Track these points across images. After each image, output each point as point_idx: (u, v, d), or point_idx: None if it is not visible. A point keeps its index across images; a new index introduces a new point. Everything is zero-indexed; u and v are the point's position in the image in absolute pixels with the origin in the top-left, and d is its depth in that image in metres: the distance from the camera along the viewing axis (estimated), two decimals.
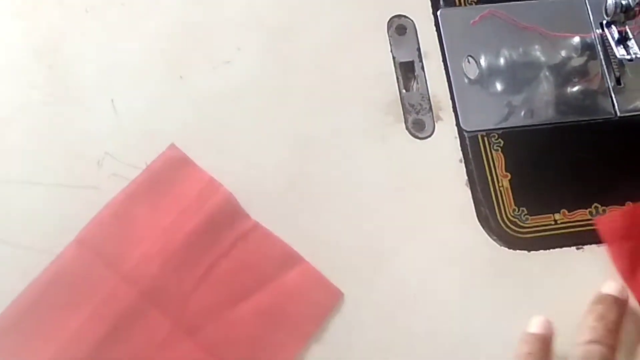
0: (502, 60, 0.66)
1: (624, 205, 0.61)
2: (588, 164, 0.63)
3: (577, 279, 0.59)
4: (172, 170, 0.57)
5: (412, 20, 0.65)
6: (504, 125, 0.63)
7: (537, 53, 0.67)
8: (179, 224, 0.55)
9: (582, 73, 0.67)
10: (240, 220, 0.56)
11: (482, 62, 0.65)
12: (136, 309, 0.53)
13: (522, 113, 0.64)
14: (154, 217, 0.55)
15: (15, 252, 0.54)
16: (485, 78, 0.65)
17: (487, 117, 0.63)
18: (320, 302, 0.56)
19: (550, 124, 0.64)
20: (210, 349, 0.53)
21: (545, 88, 0.66)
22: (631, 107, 0.65)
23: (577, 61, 0.67)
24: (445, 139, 0.62)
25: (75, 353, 0.52)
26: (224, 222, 0.56)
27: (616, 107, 0.65)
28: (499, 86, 0.65)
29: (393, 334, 0.56)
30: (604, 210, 0.61)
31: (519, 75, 0.66)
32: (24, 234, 0.55)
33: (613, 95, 0.66)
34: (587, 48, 0.67)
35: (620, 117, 0.65)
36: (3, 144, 0.57)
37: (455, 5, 0.67)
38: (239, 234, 0.56)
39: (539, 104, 0.65)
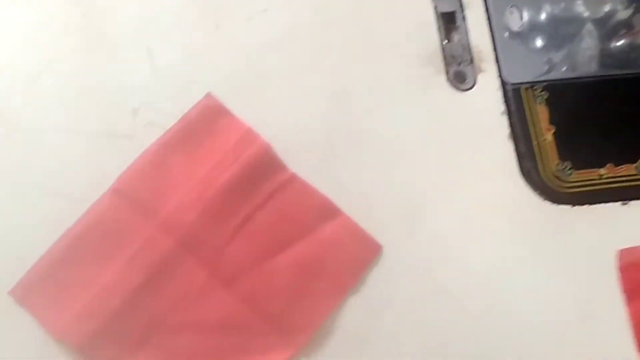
0: (545, 17, 0.64)
1: None
2: (634, 118, 0.61)
3: (621, 235, 0.57)
4: (208, 120, 0.56)
5: None
6: (547, 77, 0.61)
7: (581, 8, 0.65)
8: (216, 173, 0.54)
9: (627, 26, 0.64)
10: (278, 171, 0.55)
11: (525, 14, 0.63)
12: (172, 257, 0.52)
13: (565, 67, 0.63)
14: (190, 166, 0.54)
15: (51, 201, 0.54)
16: (529, 35, 0.63)
17: (530, 69, 0.62)
18: (359, 255, 0.55)
19: (595, 77, 0.62)
20: (247, 300, 0.53)
21: (588, 42, 0.64)
22: None
23: (622, 14, 0.65)
24: (487, 91, 0.60)
25: (111, 302, 0.51)
26: (261, 172, 0.55)
27: None
28: (541, 39, 0.63)
29: (431, 289, 0.55)
30: None
31: (562, 30, 0.64)
32: (59, 183, 0.54)
33: None
34: (633, 0, 0.65)
35: None
36: (38, 92, 0.56)
37: None
38: (277, 185, 0.55)
39: (583, 58, 0.64)
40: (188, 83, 0.57)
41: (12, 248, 0.53)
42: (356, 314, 0.53)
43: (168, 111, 0.56)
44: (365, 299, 0.54)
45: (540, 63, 0.63)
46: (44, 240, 0.52)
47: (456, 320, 0.54)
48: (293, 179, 0.55)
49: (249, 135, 0.56)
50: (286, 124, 0.57)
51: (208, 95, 0.56)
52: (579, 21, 0.65)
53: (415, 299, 0.55)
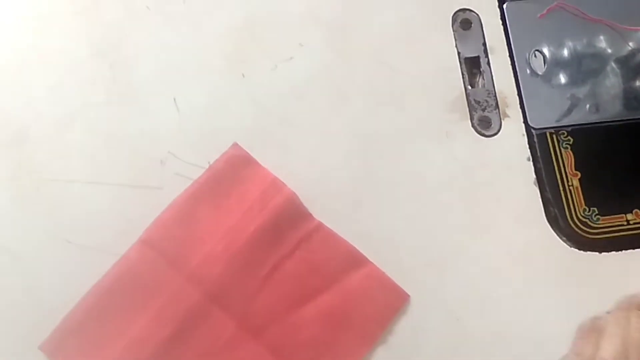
0: (567, 54, 0.64)
1: None
2: None
3: None
4: (235, 170, 0.56)
5: (477, 14, 0.63)
6: (570, 120, 0.61)
7: (604, 45, 0.65)
8: (243, 224, 0.55)
9: None
10: (304, 221, 0.56)
11: (548, 55, 0.63)
12: (200, 308, 0.53)
13: (587, 107, 0.62)
14: (217, 217, 0.55)
15: (80, 253, 0.54)
16: (552, 72, 0.63)
17: (554, 111, 0.62)
18: (386, 304, 0.55)
19: (620, 121, 0.62)
20: (275, 350, 0.53)
21: (612, 81, 0.64)
22: None
23: None
24: (512, 137, 0.60)
25: (140, 353, 0.52)
26: (288, 222, 0.55)
27: None
28: (564, 79, 0.63)
29: (460, 337, 0.55)
30: None
31: (585, 65, 0.64)
32: (88, 235, 0.55)
33: None
34: None
35: None
36: (66, 144, 0.57)
37: None
38: (303, 234, 0.55)
39: (606, 98, 0.63)
40: (214, 132, 0.58)
41: (41, 302, 0.53)
42: None
43: (195, 161, 0.57)
44: (393, 348, 0.54)
45: (563, 100, 0.63)
46: (72, 293, 0.53)
47: None
48: (319, 227, 0.56)
49: (275, 185, 0.56)
50: (311, 171, 0.57)
51: (234, 145, 0.57)
52: (602, 58, 0.64)
53: (444, 347, 0.55)
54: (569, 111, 0.62)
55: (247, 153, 0.57)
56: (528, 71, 0.62)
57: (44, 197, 0.56)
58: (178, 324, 0.52)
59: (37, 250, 0.54)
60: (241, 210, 0.55)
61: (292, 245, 0.55)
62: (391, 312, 0.55)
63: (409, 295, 0.55)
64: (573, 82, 0.63)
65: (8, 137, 0.57)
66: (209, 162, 0.56)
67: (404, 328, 0.55)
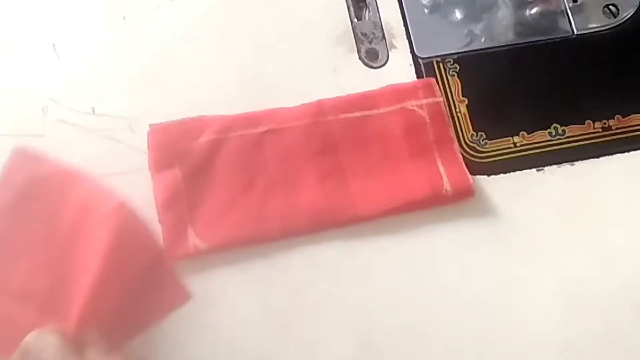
0: None
1: (583, 124, 0.60)
2: (546, 85, 0.62)
3: (538, 201, 0.58)
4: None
5: None
6: (465, 49, 0.62)
7: None
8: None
9: None
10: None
11: None
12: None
13: (484, 39, 0.63)
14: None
15: None
16: (446, 4, 0.63)
17: (452, 42, 0.62)
18: None
19: (506, 45, 0.63)
20: None
21: (504, 12, 0.65)
22: (588, 24, 0.64)
23: None
24: (400, 67, 0.61)
25: None
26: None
27: (573, 25, 0.64)
28: (459, 12, 0.64)
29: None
30: (563, 130, 0.60)
31: (479, 1, 0.65)
32: None
33: (570, 14, 0.64)
34: None
35: (577, 35, 0.64)
36: None
37: None
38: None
39: (499, 28, 0.64)
40: (97, 77, 0.57)
41: None
42: None
43: (77, 108, 0.56)
44: None
45: (461, 36, 0.63)
46: None
47: None
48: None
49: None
50: (199, 113, 0.57)
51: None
52: None
53: None
54: (465, 45, 0.63)
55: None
56: (415, 2, 0.63)
57: None
58: None
59: None
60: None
61: None
62: None
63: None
64: (469, 17, 0.64)
65: None
66: (92, 108, 0.56)
67: None
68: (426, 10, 0.63)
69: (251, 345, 0.52)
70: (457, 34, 0.63)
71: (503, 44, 0.63)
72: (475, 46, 0.63)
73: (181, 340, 0.51)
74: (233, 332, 0.52)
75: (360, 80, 0.59)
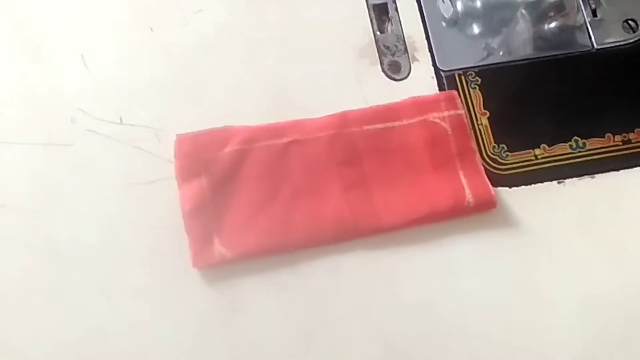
0: (480, 5, 0.65)
1: (603, 137, 0.61)
2: (566, 98, 0.62)
3: (558, 213, 0.58)
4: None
5: None
6: (484, 63, 0.62)
7: None
8: None
9: (558, 8, 0.66)
10: None
11: (459, 3, 0.64)
12: None
13: (502, 52, 0.64)
14: None
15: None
16: (464, 17, 0.64)
17: (470, 56, 0.63)
18: None
19: (526, 59, 0.63)
20: None
21: (522, 26, 0.66)
22: (608, 39, 0.64)
23: None
24: (422, 79, 0.61)
25: None
26: None
27: (593, 39, 0.64)
28: (477, 26, 0.64)
29: None
30: (584, 143, 0.60)
31: (497, 15, 0.65)
32: (1, 194, 0.54)
33: (590, 29, 0.65)
34: None
35: (597, 49, 0.64)
36: None
37: None
38: None
39: (517, 42, 0.65)
40: (124, 88, 0.58)
41: None
42: None
43: (105, 117, 0.56)
44: None
45: (479, 50, 0.64)
46: None
47: None
48: None
49: None
50: (223, 124, 0.57)
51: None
52: (513, 6, 0.66)
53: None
54: (484, 59, 0.63)
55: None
56: (436, 15, 0.63)
57: None
58: None
59: None
60: None
61: None
62: None
63: None
64: (487, 31, 0.65)
65: None
66: (120, 117, 0.56)
67: None
68: (444, 24, 0.64)
69: (276, 353, 0.52)
70: (475, 48, 0.64)
71: (521, 58, 0.63)
72: (493, 60, 0.63)
73: (207, 347, 0.52)
74: (258, 340, 0.52)
75: (383, 92, 0.60)
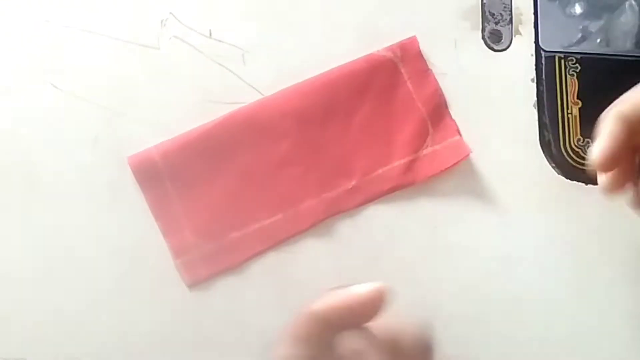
0: None
1: None
2: None
3: (629, 219, 0.56)
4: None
5: None
6: (580, 49, 0.60)
7: None
8: None
9: None
10: None
11: None
12: None
13: (598, 40, 0.61)
14: None
15: (64, 99, 0.54)
16: (569, 1, 0.61)
17: (564, 35, 0.60)
18: None
19: (631, 56, 0.60)
20: None
21: (627, 17, 0.62)
22: None
23: None
24: (520, 55, 0.59)
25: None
26: None
27: None
28: (580, 5, 0.61)
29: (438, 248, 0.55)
30: None
31: (602, 2, 0.62)
32: (75, 82, 0.54)
33: None
34: None
35: None
36: None
37: None
38: None
39: (618, 33, 0.62)
40: (219, 2, 0.56)
41: (19, 141, 0.53)
42: None
43: (195, 28, 0.55)
44: None
45: (575, 30, 0.61)
46: (50, 136, 0.53)
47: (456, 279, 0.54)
48: None
49: None
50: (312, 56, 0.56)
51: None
52: None
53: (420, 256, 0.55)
54: (578, 43, 0.61)
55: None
56: None
57: (36, 37, 0.54)
58: None
59: (19, 89, 0.54)
60: None
61: None
62: None
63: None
64: (589, 13, 0.62)
65: None
66: (210, 31, 0.55)
67: None
68: (557, 3, 0.61)
69: None
70: (572, 29, 0.61)
71: (626, 53, 0.60)
72: (588, 45, 0.60)
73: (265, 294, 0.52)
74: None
75: (478, 60, 0.58)
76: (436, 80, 0.56)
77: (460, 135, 0.56)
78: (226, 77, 0.55)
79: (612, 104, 0.47)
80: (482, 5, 0.59)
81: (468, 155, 0.55)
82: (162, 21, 0.55)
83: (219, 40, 0.55)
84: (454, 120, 0.56)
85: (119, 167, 0.53)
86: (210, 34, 0.55)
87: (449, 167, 0.55)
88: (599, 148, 0.46)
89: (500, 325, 0.53)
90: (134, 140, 0.53)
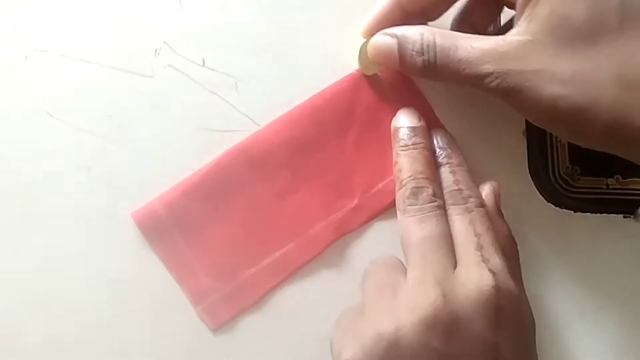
0: None
1: None
2: None
3: (618, 247, 0.57)
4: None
5: None
6: None
7: None
8: None
9: None
10: None
11: None
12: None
13: None
14: None
15: (60, 128, 0.54)
16: None
17: None
18: None
19: None
20: None
21: None
22: None
23: None
24: None
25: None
26: None
27: None
28: None
29: None
30: None
31: None
32: (71, 111, 0.54)
33: None
34: None
35: None
36: (59, 18, 0.56)
37: None
38: None
39: None
40: (213, 32, 0.57)
41: (17, 173, 0.54)
42: None
43: (188, 57, 0.56)
44: None
45: None
46: (46, 166, 0.54)
47: None
48: None
49: None
50: (306, 81, 0.56)
51: None
52: None
53: None
54: None
55: None
56: None
57: (32, 65, 0.55)
58: None
59: (15, 119, 0.54)
60: None
61: None
62: None
63: None
64: None
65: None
66: (203, 59, 0.56)
67: None
68: None
69: None
70: None
71: None
72: None
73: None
74: None
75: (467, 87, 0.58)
76: (421, 92, 0.57)
77: None
78: (219, 105, 0.56)
79: None
80: None
81: None
82: (155, 50, 0.55)
83: (212, 69, 0.56)
84: (442, 125, 0.56)
85: (113, 195, 0.53)
86: (204, 63, 0.56)
87: None
88: (365, 21, 0.53)
89: None
90: (128, 168, 0.54)
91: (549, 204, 0.57)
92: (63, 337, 0.52)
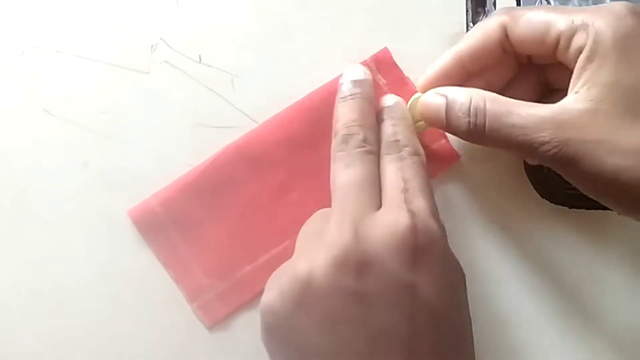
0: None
1: None
2: None
3: (613, 243, 0.57)
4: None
5: None
6: None
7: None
8: None
9: None
10: None
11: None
12: None
13: None
14: None
15: (57, 124, 0.55)
16: None
17: None
18: None
19: None
20: None
21: None
22: None
23: None
24: None
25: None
26: None
27: None
28: None
29: None
30: None
31: None
32: (67, 107, 0.55)
33: None
34: None
35: None
36: (57, 14, 0.56)
37: None
38: None
39: None
40: (209, 29, 0.57)
41: (11, 166, 0.54)
42: None
43: (185, 53, 0.56)
44: None
45: None
46: (42, 161, 0.54)
47: None
48: None
49: None
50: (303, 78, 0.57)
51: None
52: None
53: None
54: None
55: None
56: None
57: (28, 62, 0.55)
58: None
59: (12, 116, 0.54)
60: None
61: None
62: None
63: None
64: None
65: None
66: (199, 56, 0.56)
67: None
68: None
69: None
70: None
71: None
72: None
73: None
74: None
75: None
76: (414, 86, 0.56)
77: (446, 139, 0.57)
78: (215, 102, 0.56)
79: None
80: (467, 31, 0.60)
81: (458, 159, 0.56)
82: (152, 46, 0.55)
83: (209, 65, 0.56)
84: None
85: (109, 191, 0.54)
86: (200, 59, 0.56)
87: (442, 170, 0.56)
88: (424, 75, 0.53)
89: (482, 347, 0.54)
90: (124, 163, 0.54)
91: (544, 199, 0.57)
92: (59, 333, 0.53)
